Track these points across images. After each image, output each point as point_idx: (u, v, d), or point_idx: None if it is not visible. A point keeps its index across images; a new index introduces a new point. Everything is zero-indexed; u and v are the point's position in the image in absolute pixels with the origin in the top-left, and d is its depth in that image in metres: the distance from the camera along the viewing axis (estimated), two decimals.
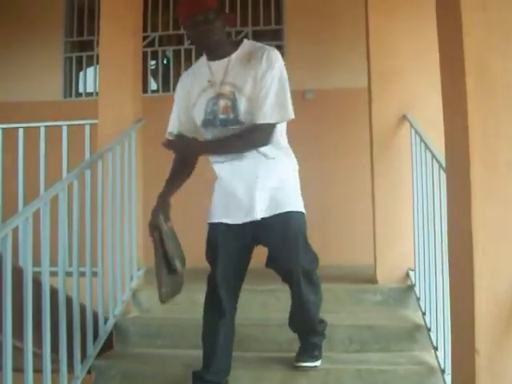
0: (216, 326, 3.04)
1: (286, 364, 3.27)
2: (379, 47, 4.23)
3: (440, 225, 2.98)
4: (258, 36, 6.56)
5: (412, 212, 3.84)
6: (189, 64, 6.53)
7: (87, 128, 4.14)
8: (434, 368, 3.17)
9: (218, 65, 2.91)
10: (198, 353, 3.09)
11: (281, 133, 2.97)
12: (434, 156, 3.19)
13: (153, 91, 6.80)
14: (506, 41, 2.05)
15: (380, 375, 3.19)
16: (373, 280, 4.17)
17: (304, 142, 5.40)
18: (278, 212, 2.90)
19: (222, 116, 2.89)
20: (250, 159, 2.91)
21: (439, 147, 2.74)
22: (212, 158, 3.07)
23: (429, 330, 3.34)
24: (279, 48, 6.51)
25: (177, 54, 6.69)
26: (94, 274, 3.49)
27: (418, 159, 3.69)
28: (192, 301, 3.99)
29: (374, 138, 4.21)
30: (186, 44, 6.60)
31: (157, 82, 6.90)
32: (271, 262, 2.97)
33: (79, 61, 6.85)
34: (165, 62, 6.91)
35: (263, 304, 3.83)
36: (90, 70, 6.84)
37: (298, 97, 6.03)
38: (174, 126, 3.20)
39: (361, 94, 4.56)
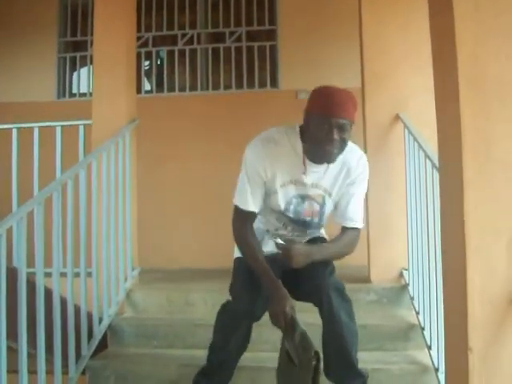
0: (242, 329, 2.84)
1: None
2: (372, 47, 4.24)
3: (433, 224, 2.99)
4: (251, 36, 6.58)
5: (405, 212, 3.85)
6: (182, 65, 6.56)
7: (81, 128, 4.14)
8: (427, 367, 3.19)
9: (317, 168, 2.71)
10: (193, 353, 3.10)
11: None
12: (427, 155, 3.20)
13: (146, 92, 6.79)
14: (499, 38, 2.06)
15: (374, 374, 3.18)
16: (366, 279, 4.19)
17: None
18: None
19: (305, 218, 2.82)
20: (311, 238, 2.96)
21: (432, 146, 2.75)
22: (276, 231, 2.91)
23: (422, 328, 3.35)
24: (272, 48, 6.52)
25: (171, 54, 6.68)
26: (89, 274, 3.49)
27: (412, 158, 3.70)
28: (186, 301, 4.01)
29: (367, 137, 4.22)
30: (180, 44, 6.61)
31: (150, 83, 6.90)
32: (299, 291, 2.82)
33: (73, 61, 6.83)
34: (158, 62, 6.90)
35: None
36: (84, 71, 6.83)
37: (291, 96, 6.05)
38: (255, 204, 2.77)
39: (354, 94, 4.56)
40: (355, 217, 2.82)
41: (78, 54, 6.76)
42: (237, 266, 2.92)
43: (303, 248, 2.69)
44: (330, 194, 2.77)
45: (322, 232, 3.07)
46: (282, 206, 2.77)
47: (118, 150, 3.94)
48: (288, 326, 2.62)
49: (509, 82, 2.03)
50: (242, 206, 2.75)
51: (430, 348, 3.17)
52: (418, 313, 3.50)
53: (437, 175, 2.79)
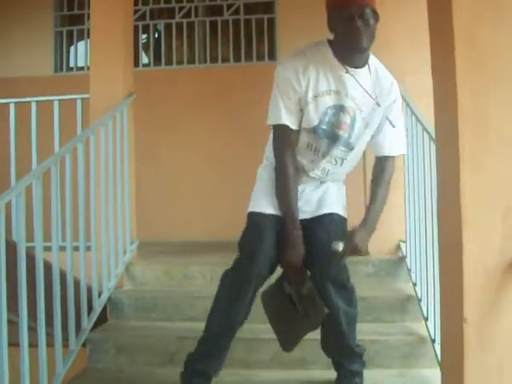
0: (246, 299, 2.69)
1: None
2: None
3: (431, 197, 3.01)
4: (249, 9, 6.54)
5: (403, 184, 3.86)
6: (180, 38, 6.53)
7: (79, 102, 4.14)
8: (424, 338, 3.22)
9: (352, 73, 2.61)
10: (191, 325, 3.12)
11: None
12: (424, 128, 3.21)
13: (144, 65, 6.77)
14: (496, 13, 2.05)
15: (372, 345, 3.22)
16: (364, 252, 4.20)
17: None
18: (326, 211, 2.81)
19: (339, 131, 2.66)
20: (336, 173, 2.86)
21: (429, 118, 2.75)
22: (306, 160, 2.76)
23: (419, 300, 3.38)
24: (271, 21, 6.49)
25: (168, 27, 6.65)
26: (88, 248, 3.51)
27: (409, 131, 3.70)
28: (185, 274, 4.04)
29: None
30: (178, 17, 6.57)
31: (148, 56, 6.88)
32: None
33: (70, 35, 6.80)
34: (156, 35, 6.87)
35: None
36: (81, 44, 6.80)
37: None
38: (290, 120, 2.64)
39: None
40: (398, 146, 2.81)
41: (74, 28, 6.73)
42: (251, 219, 2.78)
43: (360, 234, 2.62)
44: (361, 110, 2.64)
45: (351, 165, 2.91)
46: (316, 120, 2.63)
47: (115, 124, 3.93)
48: (298, 275, 2.67)
49: (505, 57, 2.03)
50: (277, 121, 2.64)
51: (426, 319, 3.21)
52: (415, 284, 3.53)
53: (434, 148, 2.79)
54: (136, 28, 5.78)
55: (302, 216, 2.73)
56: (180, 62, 6.62)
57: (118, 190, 3.92)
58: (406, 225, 3.82)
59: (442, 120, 2.29)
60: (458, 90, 2.04)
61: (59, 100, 4.15)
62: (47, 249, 3.01)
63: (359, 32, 2.48)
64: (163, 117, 6.07)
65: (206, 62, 6.60)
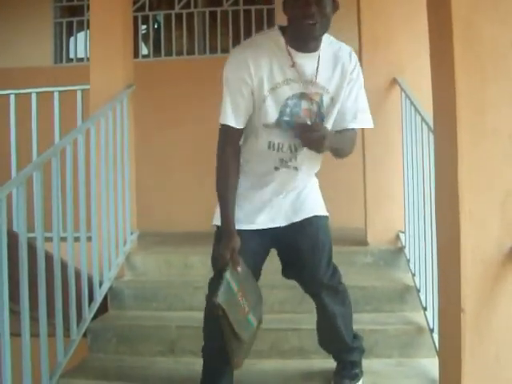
0: None
1: (278, 324, 3.33)
2: (370, 10, 4.23)
3: (429, 187, 3.01)
4: (249, 0, 6.54)
5: (402, 175, 3.88)
6: (180, 29, 6.53)
7: (79, 93, 4.15)
8: (423, 327, 3.24)
9: (306, 59, 2.42)
10: (191, 314, 3.15)
11: None
12: (423, 119, 3.22)
13: (144, 56, 6.78)
14: (494, 5, 2.05)
15: (371, 335, 3.25)
16: (364, 242, 4.23)
17: None
18: (306, 216, 2.66)
19: (304, 120, 2.48)
20: (305, 171, 2.63)
21: (429, 110, 2.76)
22: (269, 164, 2.59)
23: (418, 290, 3.40)
24: (270, 12, 6.49)
25: (167, 18, 6.66)
26: (88, 238, 3.52)
27: (408, 122, 3.72)
28: (185, 264, 4.05)
29: None
30: (177, 8, 6.57)
31: (148, 47, 6.88)
32: (290, 271, 2.74)
33: (69, 26, 6.80)
34: (155, 26, 6.87)
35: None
36: (81, 35, 6.81)
37: None
38: (236, 119, 2.50)
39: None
40: (363, 118, 2.61)
41: (74, 19, 6.73)
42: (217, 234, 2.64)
43: (330, 131, 2.45)
44: (327, 91, 2.48)
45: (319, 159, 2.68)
46: (276, 113, 2.45)
47: (115, 115, 3.94)
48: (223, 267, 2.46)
49: (502, 45, 2.03)
50: (223, 121, 2.51)
51: (425, 309, 3.22)
52: (413, 275, 3.54)
53: (433, 138, 2.80)
54: (135, 19, 5.78)
55: (273, 224, 2.62)
56: (179, 53, 6.62)
57: (118, 180, 3.93)
58: (405, 215, 3.83)
59: (440, 111, 2.31)
60: (457, 82, 2.04)
61: (59, 91, 4.15)
62: (48, 239, 3.03)
63: (312, 18, 2.30)
64: (163, 107, 6.07)
65: (205, 52, 6.60)
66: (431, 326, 3.06)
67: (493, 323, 2.03)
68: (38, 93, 4.15)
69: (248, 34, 6.44)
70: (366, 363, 3.00)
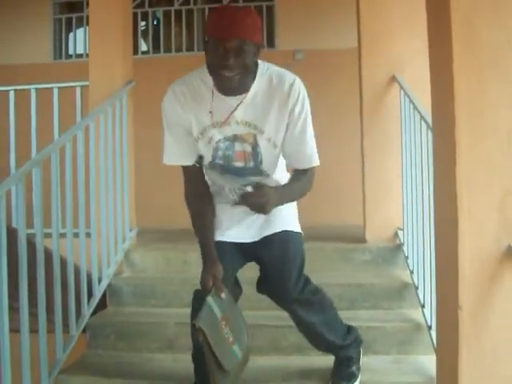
0: None
1: (277, 321, 3.33)
2: (369, 8, 4.22)
3: (428, 185, 3.02)
4: None
5: (401, 172, 3.89)
6: (179, 25, 6.53)
7: (78, 90, 4.15)
8: (420, 325, 3.25)
9: (237, 100, 2.32)
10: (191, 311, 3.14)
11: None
12: (422, 116, 3.22)
13: (143, 52, 6.77)
14: (493, 6, 2.05)
15: (369, 332, 3.25)
16: (362, 239, 4.23)
17: None
18: (276, 231, 2.57)
19: (237, 164, 2.42)
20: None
21: (427, 108, 2.76)
22: (221, 189, 2.61)
23: (416, 287, 3.40)
24: (270, 8, 6.49)
25: (167, 14, 6.66)
26: (88, 235, 3.53)
27: (407, 120, 3.72)
28: (184, 261, 4.06)
29: (363, 98, 4.23)
30: (177, 5, 6.57)
31: (147, 44, 6.88)
32: (261, 285, 2.67)
33: (69, 22, 6.80)
34: (155, 22, 6.87)
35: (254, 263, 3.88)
36: (80, 32, 6.80)
37: (289, 56, 6.04)
38: (182, 157, 2.50)
39: (351, 55, 4.58)
40: (313, 155, 2.44)
41: (73, 15, 6.73)
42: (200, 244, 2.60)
43: (273, 191, 2.29)
44: (261, 132, 2.35)
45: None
46: (209, 156, 2.42)
47: (115, 112, 3.95)
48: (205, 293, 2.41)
49: (501, 46, 2.04)
50: (166, 161, 2.50)
51: (423, 306, 3.23)
52: (412, 272, 3.55)
53: (431, 136, 2.81)
54: (135, 15, 5.77)
55: (244, 240, 2.57)
56: (179, 50, 6.63)
57: (117, 177, 3.93)
58: (404, 213, 3.84)
59: (438, 110, 2.31)
60: (455, 80, 2.05)
61: (58, 87, 4.16)
62: (47, 236, 3.03)
63: (231, 69, 2.18)
64: None
65: None
66: (429, 323, 3.06)
67: (490, 321, 2.04)
68: (37, 89, 4.16)
69: None
70: (364, 360, 3.00)
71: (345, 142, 5.54)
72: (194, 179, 2.55)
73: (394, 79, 4.10)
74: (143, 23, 6.82)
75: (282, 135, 2.38)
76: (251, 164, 2.42)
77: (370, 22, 4.20)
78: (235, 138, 2.38)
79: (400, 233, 4.02)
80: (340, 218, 5.06)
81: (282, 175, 2.61)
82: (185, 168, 2.51)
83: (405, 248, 3.83)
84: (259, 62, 2.35)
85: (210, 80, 2.32)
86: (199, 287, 2.46)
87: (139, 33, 6.65)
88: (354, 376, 2.90)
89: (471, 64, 2.05)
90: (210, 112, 2.33)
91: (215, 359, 2.32)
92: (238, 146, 2.39)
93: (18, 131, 4.16)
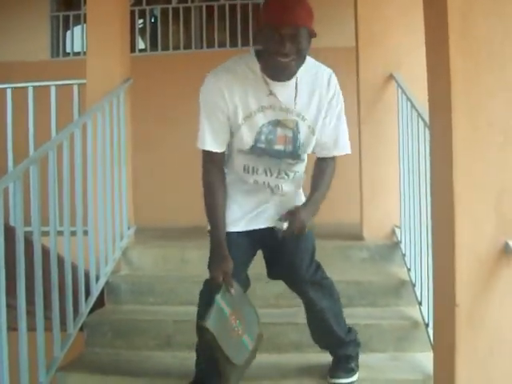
0: None
1: (276, 319, 3.34)
2: (367, 6, 4.23)
3: (425, 183, 3.02)
4: None
5: (398, 170, 3.89)
6: (176, 23, 6.52)
7: (75, 88, 4.15)
8: (418, 322, 3.26)
9: (283, 87, 2.41)
10: (188, 309, 3.13)
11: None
12: (419, 114, 3.22)
13: (140, 50, 6.77)
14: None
15: (366, 329, 3.26)
16: (359, 237, 4.25)
17: None
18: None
19: (277, 147, 2.50)
20: (288, 185, 2.65)
21: (425, 106, 2.76)
22: (249, 183, 2.63)
23: (413, 285, 3.41)
24: None
25: (164, 12, 6.65)
26: (85, 233, 3.53)
27: (404, 118, 3.73)
28: (182, 258, 4.06)
29: (361, 96, 4.24)
30: (174, 3, 6.57)
31: (144, 41, 6.87)
32: (275, 271, 2.76)
33: (66, 20, 6.79)
34: (152, 20, 6.87)
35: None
36: (77, 29, 6.80)
37: None
38: (215, 143, 2.51)
39: (348, 54, 4.58)
40: (344, 145, 2.62)
41: (71, 13, 6.72)
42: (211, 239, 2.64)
43: (303, 212, 2.48)
44: (303, 119, 2.47)
45: (301, 175, 2.70)
46: (251, 141, 2.48)
47: (112, 109, 3.94)
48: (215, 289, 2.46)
49: (498, 38, 2.04)
50: (202, 146, 2.52)
51: (420, 304, 3.24)
52: (409, 269, 3.56)
53: (429, 134, 2.81)
54: (132, 13, 5.79)
55: (257, 226, 2.63)
56: (176, 47, 6.62)
57: (115, 175, 3.93)
58: (401, 210, 3.84)
59: (435, 107, 2.32)
60: (452, 78, 2.06)
61: (56, 85, 4.15)
62: (45, 233, 3.03)
63: (287, 56, 2.27)
64: (160, 102, 6.07)
65: (202, 47, 6.61)
66: (426, 321, 3.07)
67: (487, 318, 2.05)
68: (34, 87, 4.14)
69: (245, 28, 6.45)
70: (361, 357, 3.00)
71: None
72: (219, 166, 2.58)
73: (391, 77, 4.10)
74: (141, 21, 6.82)
75: (320, 124, 2.51)
76: (290, 148, 2.51)
77: (367, 20, 4.20)
78: (278, 123, 2.47)
79: (397, 230, 4.03)
80: (337, 215, 5.05)
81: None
82: (214, 154, 2.53)
83: (402, 245, 3.83)
84: None
85: (256, 66, 2.42)
86: (207, 278, 2.54)
87: (137, 31, 6.65)
88: (352, 370, 2.92)
89: (468, 62, 2.06)
90: (270, 94, 2.41)
91: (225, 356, 2.39)
92: (280, 131, 2.48)
93: (15, 129, 4.16)
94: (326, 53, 5.98)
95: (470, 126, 2.06)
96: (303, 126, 2.49)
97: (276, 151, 2.51)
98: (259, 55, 2.43)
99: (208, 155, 2.53)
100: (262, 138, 2.47)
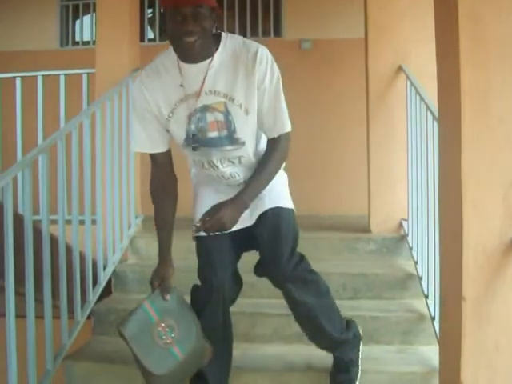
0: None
1: (281, 310, 3.34)
2: None
3: (433, 176, 3.02)
4: None
5: (406, 163, 3.89)
6: None
7: (84, 77, 4.15)
8: (424, 315, 3.26)
9: (196, 69, 2.31)
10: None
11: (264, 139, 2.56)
12: (428, 107, 3.22)
13: (150, 40, 6.76)
14: None
15: (372, 322, 3.27)
16: (366, 229, 4.25)
17: (300, 92, 5.42)
18: (267, 208, 2.54)
19: (211, 134, 2.40)
20: (248, 170, 2.53)
21: (434, 98, 2.76)
22: (203, 172, 2.67)
23: (420, 278, 3.41)
24: None
25: None
26: (93, 221, 3.54)
27: (413, 110, 3.72)
28: (188, 248, 4.05)
29: (370, 88, 4.23)
30: None
31: (154, 31, 6.86)
32: (258, 266, 2.68)
33: (76, 9, 6.79)
34: (161, 10, 6.85)
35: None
36: (87, 18, 6.79)
37: (295, 45, 6.03)
38: (140, 145, 2.50)
39: (358, 45, 4.57)
40: (284, 120, 2.43)
41: (80, 2, 6.72)
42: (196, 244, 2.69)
43: (230, 207, 2.33)
44: (231, 99, 2.34)
45: (250, 158, 2.53)
46: (183, 133, 2.42)
47: (121, 99, 3.95)
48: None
49: (508, 35, 2.03)
50: (133, 149, 2.56)
51: (427, 297, 3.24)
52: (416, 263, 3.56)
53: (437, 127, 2.80)
54: (141, 2, 5.75)
55: (241, 225, 2.50)
56: None
57: (123, 164, 3.95)
58: (409, 204, 3.84)
59: (444, 100, 2.31)
60: (461, 71, 2.05)
61: (65, 74, 4.16)
62: (53, 222, 3.05)
63: (191, 35, 2.20)
64: None
65: None
66: (432, 314, 3.07)
67: (493, 312, 2.05)
68: (43, 76, 4.16)
69: (254, 19, 6.43)
70: (367, 349, 3.01)
71: (350, 132, 5.53)
72: (161, 169, 2.55)
73: (400, 69, 4.09)
74: (150, 10, 6.80)
75: (254, 102, 2.36)
76: (225, 132, 2.40)
77: (376, 12, 4.19)
78: (206, 109, 2.36)
79: (404, 223, 4.03)
80: (345, 207, 5.06)
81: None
82: (153, 156, 2.51)
83: (409, 238, 3.84)
84: (223, 33, 2.40)
85: (174, 57, 2.34)
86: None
87: (146, 20, 6.64)
88: (351, 381, 2.81)
89: (478, 55, 2.04)
90: (181, 85, 2.34)
91: (141, 363, 2.40)
92: (209, 116, 2.37)
93: (24, 118, 4.17)
94: (337, 44, 6.04)
95: (479, 119, 2.05)
96: (233, 106, 2.35)
97: (211, 139, 2.41)
98: (172, 42, 2.32)
99: (151, 158, 2.52)
100: (193, 127, 2.40)
